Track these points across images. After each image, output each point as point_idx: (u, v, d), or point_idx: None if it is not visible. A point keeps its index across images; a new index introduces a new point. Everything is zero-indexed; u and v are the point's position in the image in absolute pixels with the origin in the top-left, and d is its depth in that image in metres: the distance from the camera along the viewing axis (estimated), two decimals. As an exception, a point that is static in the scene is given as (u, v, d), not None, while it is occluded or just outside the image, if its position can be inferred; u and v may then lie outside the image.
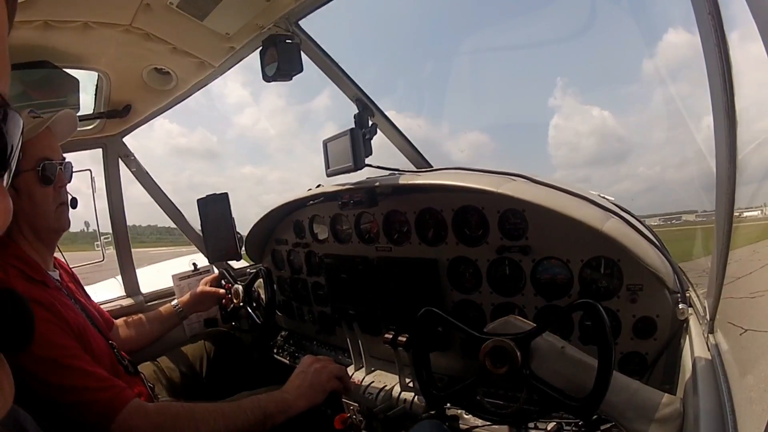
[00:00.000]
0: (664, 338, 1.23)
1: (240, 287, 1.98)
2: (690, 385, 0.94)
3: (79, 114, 1.68)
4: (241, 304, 1.96)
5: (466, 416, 1.41)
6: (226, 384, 1.80)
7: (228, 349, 2.04)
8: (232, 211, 2.06)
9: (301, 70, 1.48)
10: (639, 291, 1.25)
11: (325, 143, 1.69)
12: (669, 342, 1.22)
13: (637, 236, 1.20)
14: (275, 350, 2.28)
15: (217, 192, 2.07)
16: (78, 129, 1.52)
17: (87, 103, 1.83)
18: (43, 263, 1.35)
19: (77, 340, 1.23)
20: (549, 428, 1.26)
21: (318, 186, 1.93)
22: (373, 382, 1.73)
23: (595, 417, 1.04)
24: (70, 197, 1.41)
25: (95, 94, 1.84)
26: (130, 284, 2.25)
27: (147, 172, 2.27)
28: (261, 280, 2.01)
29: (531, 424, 1.29)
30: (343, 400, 1.80)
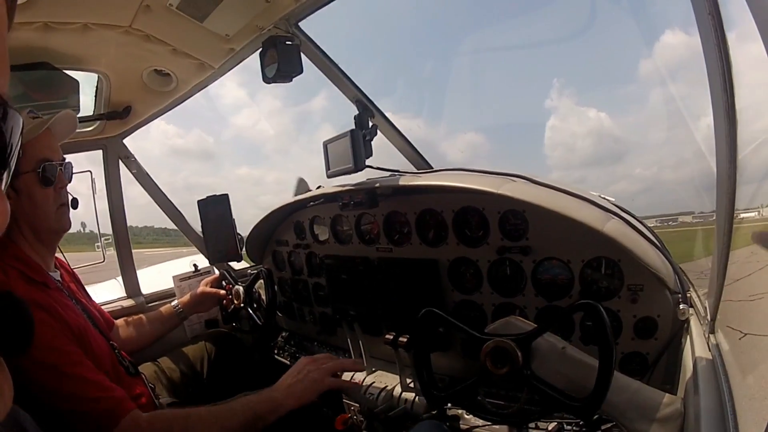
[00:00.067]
0: (664, 338, 1.23)
1: (241, 288, 1.98)
2: (691, 385, 0.94)
3: (79, 115, 1.68)
4: (242, 305, 1.97)
5: (466, 416, 1.41)
6: (227, 384, 1.80)
7: (229, 350, 2.04)
8: (232, 212, 2.06)
9: (301, 71, 1.48)
10: (640, 291, 1.25)
11: (326, 144, 1.69)
12: (670, 342, 1.22)
13: (637, 237, 1.20)
14: (276, 351, 2.28)
15: (217, 193, 2.07)
16: (78, 130, 1.52)
17: (87, 105, 1.84)
18: (44, 264, 1.36)
19: (78, 343, 1.23)
20: (550, 428, 1.26)
21: (318, 187, 1.94)
22: (373, 382, 1.73)
23: (596, 417, 1.04)
24: (70, 198, 1.41)
25: (95, 96, 1.84)
26: (131, 285, 2.26)
27: (147, 174, 2.27)
28: (262, 281, 2.01)
29: (532, 425, 1.28)
30: (344, 400, 1.80)
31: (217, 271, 2.26)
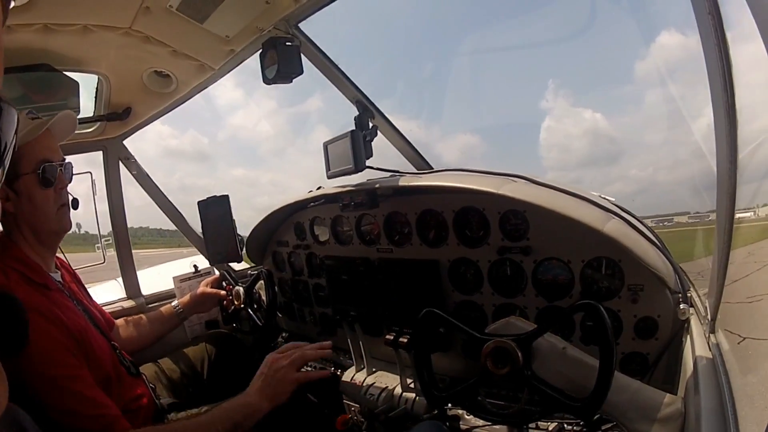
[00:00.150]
0: (665, 338, 1.23)
1: (241, 289, 1.98)
2: (691, 385, 0.94)
3: (79, 117, 1.68)
4: (242, 305, 1.97)
5: (467, 417, 1.41)
6: (228, 385, 1.80)
7: (229, 351, 2.04)
8: (232, 213, 2.06)
9: (301, 72, 1.48)
10: (640, 291, 1.25)
11: (326, 145, 1.69)
12: (670, 342, 1.22)
13: (637, 237, 1.20)
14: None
15: (216, 194, 2.07)
16: (78, 132, 1.52)
17: (87, 106, 1.84)
18: (45, 265, 1.35)
19: (78, 347, 1.22)
20: (550, 429, 1.26)
21: (319, 188, 1.94)
22: (374, 383, 1.73)
23: (596, 417, 1.04)
24: (70, 198, 1.41)
25: (95, 97, 1.84)
26: (131, 286, 2.26)
27: (147, 175, 2.27)
28: (262, 281, 2.01)
29: (532, 425, 1.29)
30: (344, 401, 1.80)
31: (217, 272, 2.26)
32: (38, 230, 1.34)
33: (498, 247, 1.45)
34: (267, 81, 1.48)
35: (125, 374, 1.42)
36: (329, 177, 1.71)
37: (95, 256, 2.26)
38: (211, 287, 2.01)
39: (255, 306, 1.99)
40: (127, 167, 2.20)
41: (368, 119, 1.68)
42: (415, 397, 1.57)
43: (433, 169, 1.87)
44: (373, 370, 1.81)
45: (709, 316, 1.04)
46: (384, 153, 1.77)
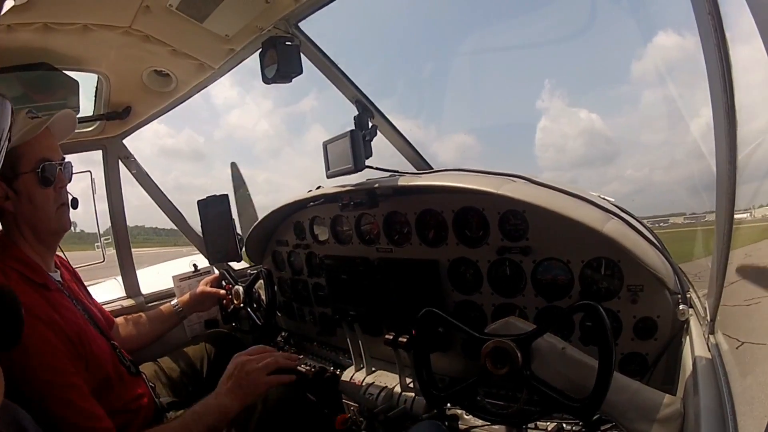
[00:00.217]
0: (664, 339, 1.23)
1: (240, 288, 1.98)
2: (691, 386, 0.94)
3: (79, 116, 1.68)
4: (242, 305, 1.97)
5: (466, 416, 1.41)
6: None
7: (228, 350, 2.03)
8: (232, 213, 2.06)
9: (300, 71, 1.48)
10: (639, 292, 1.25)
11: (325, 145, 1.69)
12: (669, 342, 1.22)
13: (637, 237, 1.20)
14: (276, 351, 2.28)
15: (217, 194, 2.07)
16: (78, 131, 1.52)
17: (87, 105, 1.84)
18: (44, 265, 1.35)
19: (75, 348, 1.22)
20: (549, 429, 1.26)
21: (318, 187, 1.94)
22: (373, 382, 1.73)
23: (595, 417, 1.04)
24: (70, 197, 1.41)
25: (95, 96, 1.84)
26: (131, 285, 2.25)
27: (147, 174, 2.27)
28: (261, 281, 2.01)
29: (531, 425, 1.29)
30: (344, 400, 1.80)
31: (216, 271, 2.26)
32: (38, 229, 1.33)
33: (497, 247, 1.45)
34: (266, 80, 1.48)
35: (125, 374, 1.42)
36: (329, 176, 1.71)
37: (93, 255, 2.25)
38: (211, 286, 2.01)
39: (254, 305, 1.99)
40: (126, 166, 2.20)
41: (368, 119, 1.68)
42: (415, 397, 1.57)
43: (432, 168, 1.87)
44: (373, 369, 1.81)
45: (708, 317, 1.04)
46: (384, 153, 1.77)
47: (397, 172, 1.68)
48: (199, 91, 1.87)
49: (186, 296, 1.96)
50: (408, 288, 1.66)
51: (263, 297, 2.03)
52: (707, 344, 1.01)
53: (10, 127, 0.43)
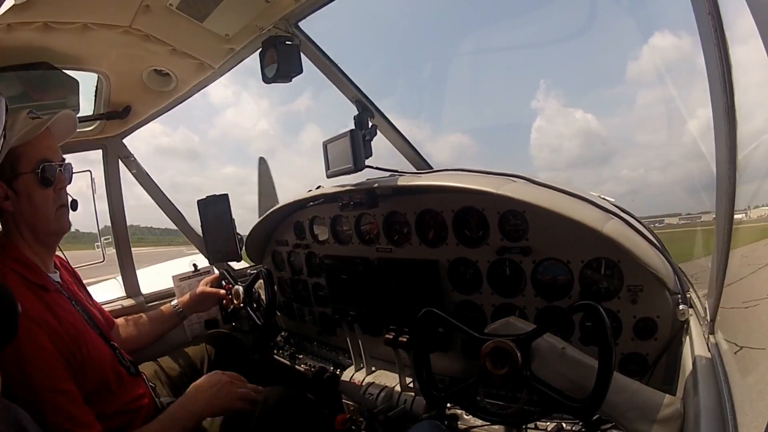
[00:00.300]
0: (664, 339, 1.23)
1: (240, 288, 1.98)
2: (690, 386, 0.94)
3: (79, 115, 1.68)
4: (242, 305, 1.96)
5: (466, 416, 1.41)
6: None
7: (228, 350, 2.04)
8: (232, 212, 2.06)
9: (300, 71, 1.48)
10: (639, 292, 1.25)
11: (325, 144, 1.69)
12: (669, 343, 1.22)
13: (637, 237, 1.20)
14: (275, 351, 2.28)
15: (217, 194, 2.07)
16: (78, 130, 1.52)
17: (87, 105, 1.83)
18: (43, 265, 1.35)
19: (70, 352, 1.23)
20: (549, 429, 1.26)
21: (318, 187, 1.94)
22: (373, 382, 1.73)
23: (595, 417, 1.04)
24: (70, 199, 1.41)
25: (95, 96, 1.84)
26: (131, 285, 2.25)
27: (147, 173, 2.26)
28: (261, 281, 2.01)
29: (531, 425, 1.28)
30: (344, 400, 1.80)
31: (216, 271, 2.26)
32: (37, 230, 1.33)
33: (497, 248, 1.45)
34: (266, 80, 1.48)
35: (125, 374, 1.42)
36: (329, 176, 1.71)
37: (90, 254, 2.25)
38: (211, 286, 2.01)
39: (254, 305, 1.99)
40: (126, 166, 2.20)
41: (368, 118, 1.68)
42: (414, 397, 1.57)
43: (432, 168, 1.87)
44: (373, 369, 1.81)
45: (708, 317, 1.04)
46: (383, 153, 1.77)
47: (397, 171, 1.68)
48: (199, 91, 1.87)
49: (186, 296, 1.96)
50: (408, 288, 1.66)
51: (263, 297, 2.03)
52: (707, 344, 1.01)
53: (5, 125, 0.43)
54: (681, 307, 1.18)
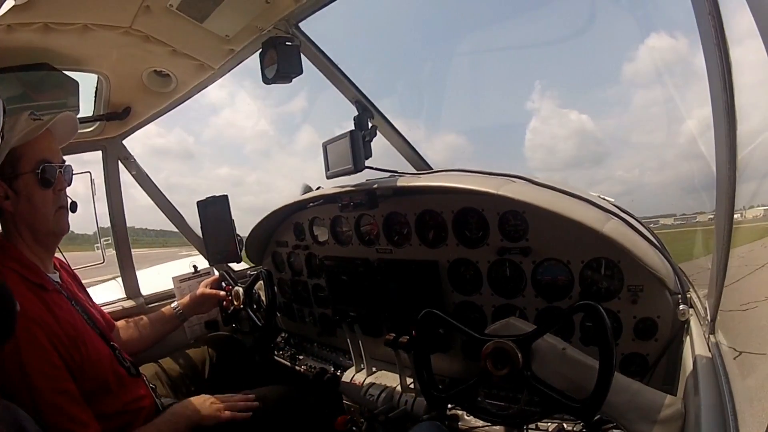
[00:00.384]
0: (665, 339, 1.23)
1: (240, 289, 1.97)
2: (691, 386, 0.94)
3: (78, 116, 1.68)
4: (242, 306, 1.96)
5: (466, 417, 1.41)
6: (227, 385, 1.80)
7: (229, 351, 2.04)
8: (232, 214, 2.06)
9: (300, 72, 1.47)
10: (640, 292, 1.25)
11: (325, 145, 1.69)
12: (670, 343, 1.22)
13: (637, 237, 1.20)
14: (276, 352, 2.28)
15: (217, 195, 2.07)
16: (78, 131, 1.52)
17: (87, 106, 1.83)
18: (42, 266, 1.35)
19: (69, 352, 1.23)
20: (550, 429, 1.26)
21: (318, 188, 1.93)
22: (374, 383, 1.73)
23: (596, 418, 1.04)
24: (69, 201, 1.41)
25: (95, 97, 1.84)
26: (131, 286, 2.25)
27: (147, 175, 2.26)
28: (261, 282, 2.00)
29: (532, 426, 1.28)
30: (344, 401, 1.79)
31: (216, 273, 2.26)
32: (36, 231, 1.33)
33: (497, 248, 1.45)
34: (266, 81, 1.48)
35: (125, 375, 1.42)
36: (328, 177, 1.70)
37: (90, 256, 2.25)
38: (211, 288, 2.00)
39: (254, 306, 1.98)
40: (126, 167, 2.20)
41: (367, 119, 1.68)
42: (415, 398, 1.57)
43: (432, 169, 1.87)
44: (373, 370, 1.81)
45: (708, 317, 1.04)
46: (383, 153, 1.77)
47: (397, 172, 1.68)
48: (199, 92, 1.87)
49: (186, 298, 1.96)
50: (408, 289, 1.66)
51: (263, 298, 2.02)
52: (707, 344, 1.01)
53: (3, 126, 0.43)
54: (681, 307, 1.18)
